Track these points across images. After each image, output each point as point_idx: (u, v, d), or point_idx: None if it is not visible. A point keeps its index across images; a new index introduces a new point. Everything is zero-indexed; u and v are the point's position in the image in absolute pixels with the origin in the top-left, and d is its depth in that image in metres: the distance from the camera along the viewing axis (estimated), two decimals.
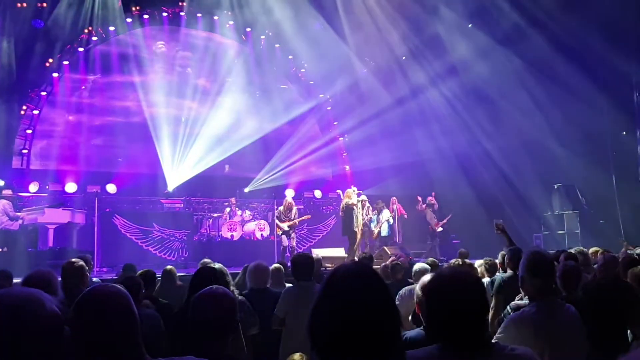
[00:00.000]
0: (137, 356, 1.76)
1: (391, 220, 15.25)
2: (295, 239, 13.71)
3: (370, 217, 14.80)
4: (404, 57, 18.36)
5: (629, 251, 7.00)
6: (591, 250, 7.44)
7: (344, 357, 1.51)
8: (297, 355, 3.61)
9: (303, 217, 14.52)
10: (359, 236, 13.25)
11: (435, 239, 15.51)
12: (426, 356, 1.92)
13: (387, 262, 7.83)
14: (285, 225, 13.26)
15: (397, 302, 5.09)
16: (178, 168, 17.05)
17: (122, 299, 1.79)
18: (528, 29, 14.55)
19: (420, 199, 16.09)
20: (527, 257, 3.17)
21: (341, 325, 1.52)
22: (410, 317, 3.72)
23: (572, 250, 6.58)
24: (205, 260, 7.20)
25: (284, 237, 13.29)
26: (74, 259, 4.99)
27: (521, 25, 14.64)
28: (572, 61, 13.71)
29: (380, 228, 15.08)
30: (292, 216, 13.46)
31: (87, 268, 5.22)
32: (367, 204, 14.46)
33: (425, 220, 15.92)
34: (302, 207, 16.99)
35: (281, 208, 13.49)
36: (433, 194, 16.15)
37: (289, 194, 14.35)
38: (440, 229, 15.64)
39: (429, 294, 1.99)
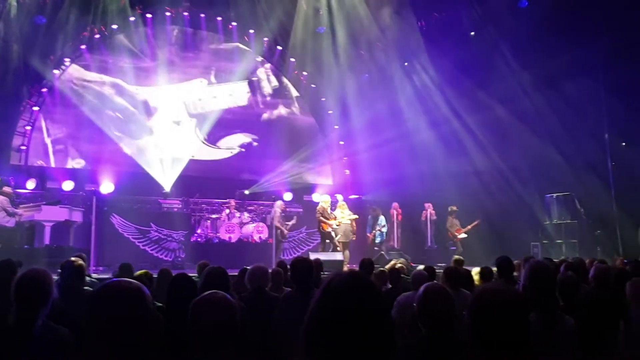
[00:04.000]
0: (141, 355, 1.75)
1: (384, 229, 15.22)
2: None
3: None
4: (406, 63, 18.43)
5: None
6: (587, 260, 7.48)
7: None
8: None
9: (352, 217, 14.46)
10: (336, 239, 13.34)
11: (457, 246, 15.12)
12: None
13: (386, 267, 7.80)
14: (334, 223, 13.32)
15: (394, 309, 5.11)
16: (170, 168, 16.99)
17: (136, 294, 1.78)
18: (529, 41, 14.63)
19: (429, 205, 16.03)
20: (531, 267, 3.16)
21: (336, 337, 1.49)
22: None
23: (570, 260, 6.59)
24: (204, 262, 7.18)
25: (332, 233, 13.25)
26: (73, 258, 5.00)
27: (522, 37, 14.74)
28: (573, 72, 13.73)
29: (374, 235, 15.10)
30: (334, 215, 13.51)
31: (85, 267, 5.23)
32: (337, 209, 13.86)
33: (426, 227, 15.92)
34: (300, 210, 17.01)
35: (325, 205, 13.51)
36: (429, 205, 16.09)
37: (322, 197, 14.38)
38: (463, 235, 15.27)
39: (476, 311, 1.94)
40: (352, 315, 1.51)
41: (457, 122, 17.04)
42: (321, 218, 13.33)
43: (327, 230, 13.32)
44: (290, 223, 14.70)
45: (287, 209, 15.15)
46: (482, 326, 1.89)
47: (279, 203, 14.66)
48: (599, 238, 14.01)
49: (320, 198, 14.11)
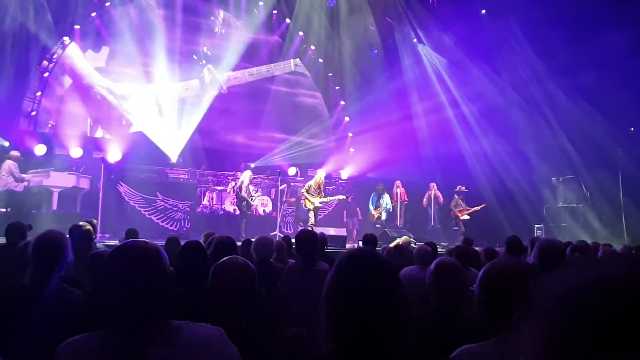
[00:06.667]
0: (158, 316, 1.77)
1: (390, 207, 15.23)
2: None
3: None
4: (414, 40, 18.35)
5: None
6: (591, 242, 7.51)
7: (362, 347, 1.50)
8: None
9: (338, 197, 14.48)
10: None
11: (460, 226, 14.99)
12: (483, 350, 1.91)
13: (390, 245, 7.86)
14: (317, 201, 13.23)
15: None
16: (176, 137, 16.81)
17: (154, 255, 1.80)
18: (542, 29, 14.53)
19: (433, 185, 16.01)
20: (541, 245, 3.16)
21: (362, 316, 1.51)
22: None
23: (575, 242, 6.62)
24: (209, 232, 7.21)
25: (311, 213, 13.18)
26: (81, 222, 5.03)
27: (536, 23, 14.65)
28: (585, 61, 13.64)
29: (380, 212, 15.12)
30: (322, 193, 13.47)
31: (93, 232, 5.28)
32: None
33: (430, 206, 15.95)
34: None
35: (312, 183, 13.43)
36: (433, 184, 16.07)
37: (321, 172, 14.16)
38: (466, 216, 15.04)
39: (485, 286, 1.95)
40: (365, 292, 1.54)
41: (465, 104, 17.03)
42: (305, 194, 13.33)
43: (307, 207, 13.31)
44: (255, 195, 14.53)
45: (256, 180, 14.92)
46: (494, 299, 1.90)
47: (247, 173, 14.37)
48: (604, 222, 14.02)
49: (318, 174, 13.88)
